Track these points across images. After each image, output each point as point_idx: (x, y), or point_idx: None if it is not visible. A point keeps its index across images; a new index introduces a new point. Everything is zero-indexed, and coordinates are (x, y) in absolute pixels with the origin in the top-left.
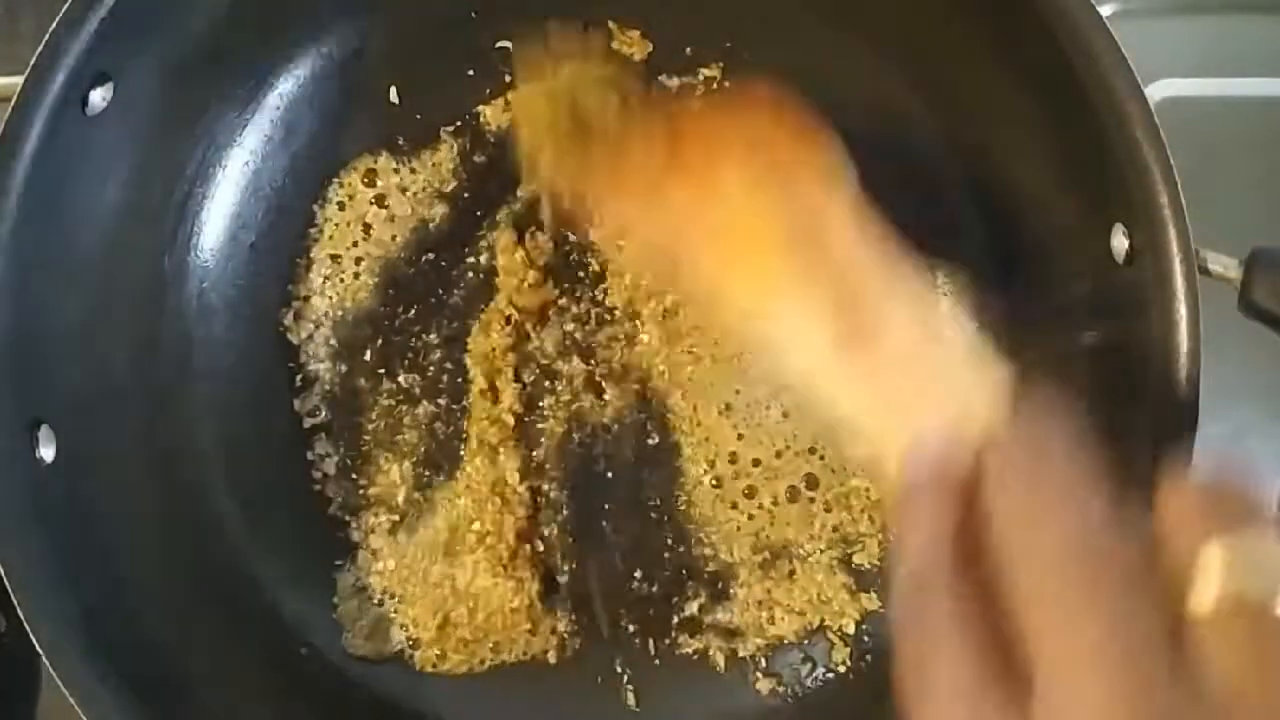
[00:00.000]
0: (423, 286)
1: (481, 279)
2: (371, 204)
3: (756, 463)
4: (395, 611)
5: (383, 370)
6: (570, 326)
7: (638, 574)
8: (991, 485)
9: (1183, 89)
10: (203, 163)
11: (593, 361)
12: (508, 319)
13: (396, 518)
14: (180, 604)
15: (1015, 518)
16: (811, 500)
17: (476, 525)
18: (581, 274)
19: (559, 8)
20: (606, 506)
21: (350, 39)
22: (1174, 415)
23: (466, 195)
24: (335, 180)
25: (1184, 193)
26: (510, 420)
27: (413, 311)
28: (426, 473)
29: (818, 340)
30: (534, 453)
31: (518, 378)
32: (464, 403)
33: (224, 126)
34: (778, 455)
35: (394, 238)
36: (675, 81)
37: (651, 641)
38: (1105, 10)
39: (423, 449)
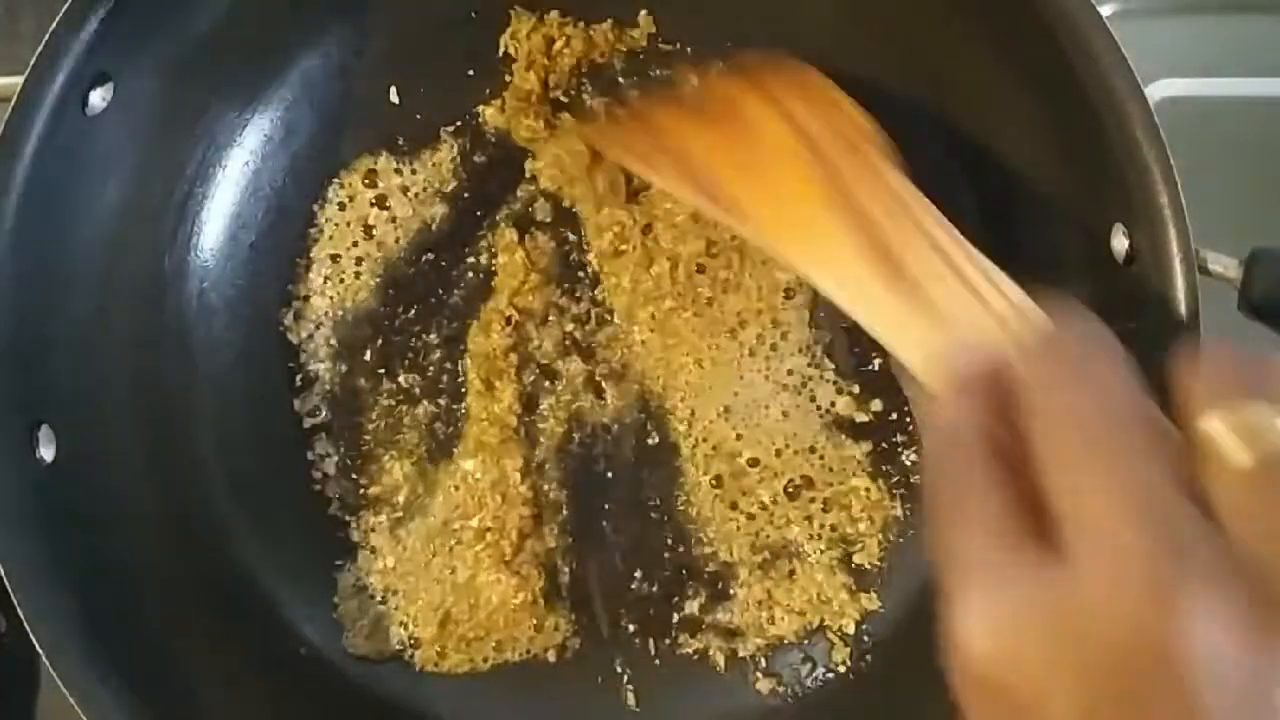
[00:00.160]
0: (423, 286)
1: (481, 279)
2: (371, 204)
3: (755, 463)
4: (396, 608)
5: (383, 370)
6: (570, 326)
7: (638, 574)
8: (1027, 357)
9: (1183, 89)
10: (203, 163)
11: (593, 361)
12: (508, 319)
13: (397, 517)
14: (180, 604)
15: (1048, 381)
16: (811, 500)
17: (476, 521)
18: (581, 274)
19: (559, 7)
20: (606, 506)
21: (350, 39)
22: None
23: (466, 195)
24: (335, 180)
25: (1184, 193)
26: (510, 420)
27: (413, 311)
28: (426, 472)
29: (856, 261)
30: (534, 453)
31: (518, 378)
32: (464, 403)
33: (224, 126)
34: (777, 455)
35: (394, 238)
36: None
37: (651, 641)
38: (1105, 10)
39: (423, 449)
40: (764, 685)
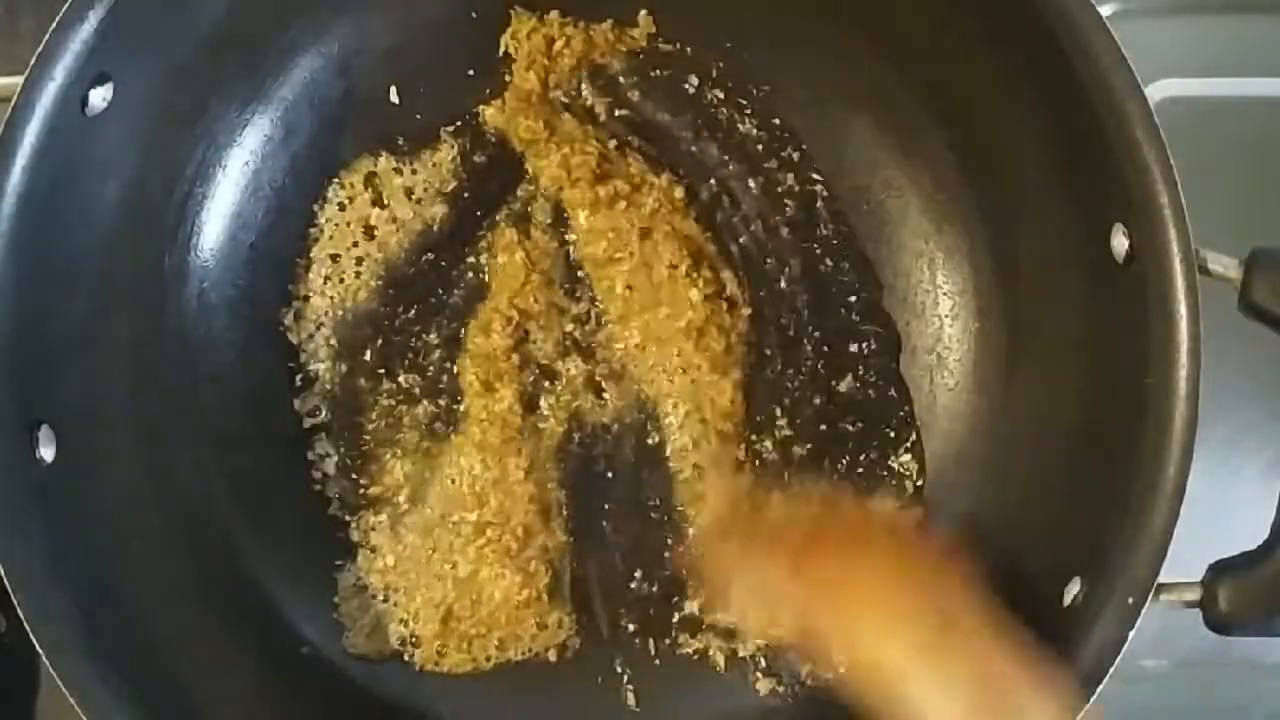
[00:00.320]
0: (423, 286)
1: (481, 279)
2: (371, 204)
3: None
4: (396, 605)
5: (383, 370)
6: (570, 326)
7: (638, 574)
8: None
9: (1183, 89)
10: (203, 163)
11: (592, 361)
12: (508, 319)
13: (397, 515)
14: (180, 604)
15: None
16: None
17: (475, 515)
18: (581, 274)
19: (559, 7)
20: (606, 506)
21: (350, 39)
22: (1174, 415)
23: (466, 195)
24: (335, 180)
25: (1184, 193)
26: (511, 420)
27: (413, 311)
28: (426, 472)
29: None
30: (535, 452)
31: (518, 378)
32: (464, 403)
33: (224, 126)
34: None
35: (394, 238)
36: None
37: (651, 641)
38: (1105, 10)
39: (423, 449)
40: (764, 685)
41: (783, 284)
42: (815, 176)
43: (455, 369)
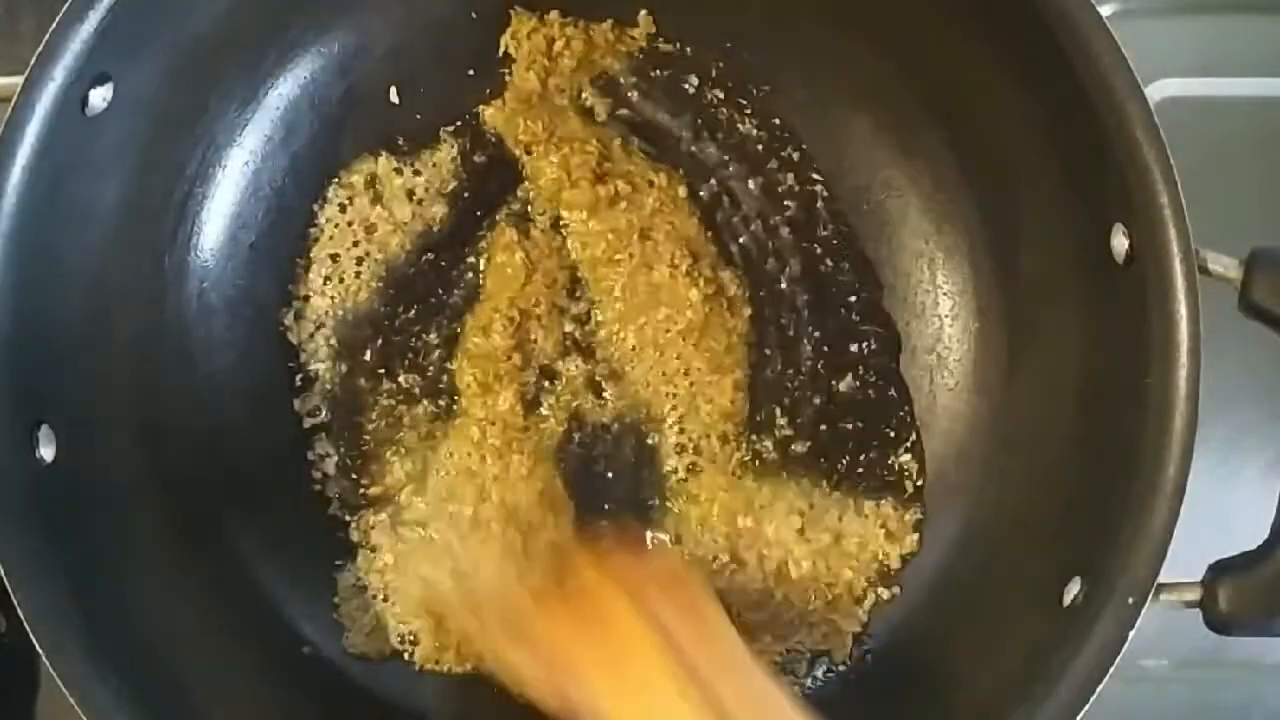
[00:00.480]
0: (423, 286)
1: (481, 279)
2: (371, 204)
3: None
4: (396, 603)
5: (383, 370)
6: (570, 326)
7: None
8: None
9: (1183, 89)
10: (203, 163)
11: (592, 361)
12: (508, 319)
13: (397, 515)
14: (180, 604)
15: None
16: None
17: (471, 512)
18: (581, 274)
19: (559, 7)
20: (606, 506)
21: (350, 39)
22: (1174, 415)
23: (466, 195)
24: (335, 180)
25: (1184, 193)
26: (512, 420)
27: (413, 311)
28: (426, 471)
29: None
30: (534, 452)
31: (518, 378)
32: (463, 403)
33: (224, 126)
34: None
35: (394, 238)
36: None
37: None
38: (1105, 10)
39: (423, 449)
40: None
41: (783, 284)
42: (815, 176)
43: (455, 369)
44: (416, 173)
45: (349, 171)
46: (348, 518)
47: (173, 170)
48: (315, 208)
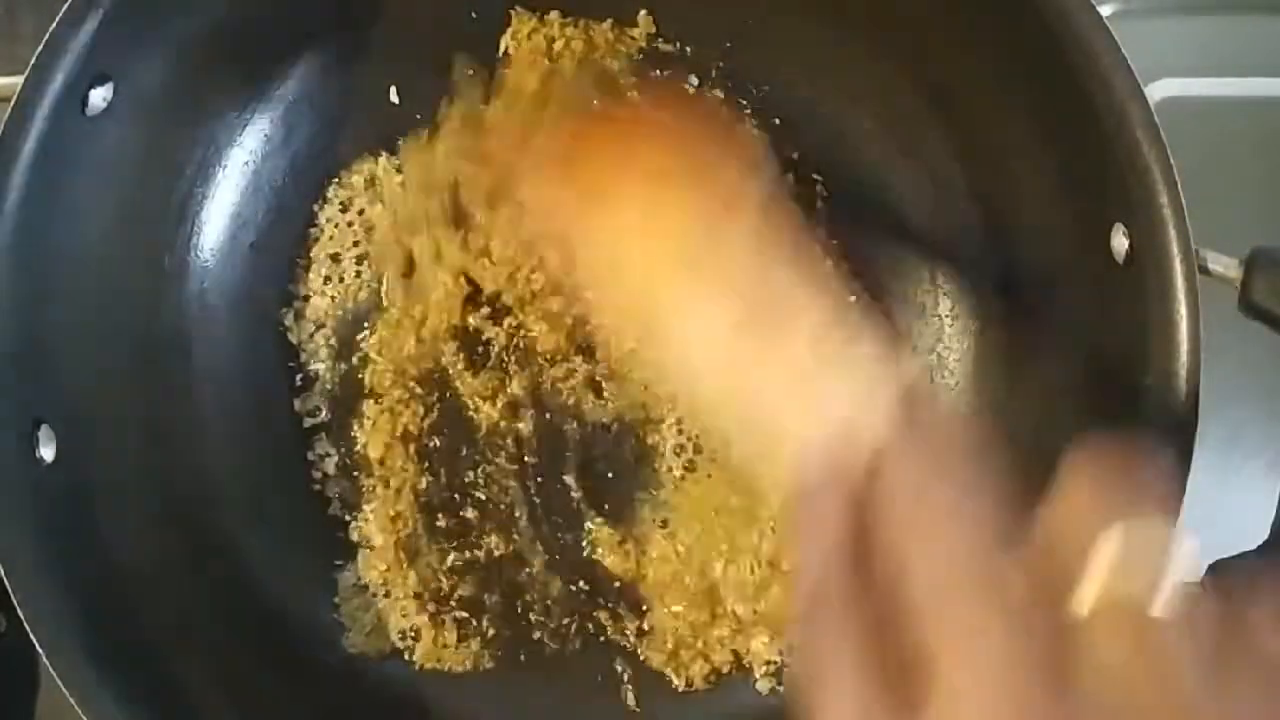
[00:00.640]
0: None
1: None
2: (371, 204)
3: None
4: (397, 600)
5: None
6: (571, 326)
7: None
8: (883, 494)
9: (1183, 89)
10: (203, 163)
11: (592, 361)
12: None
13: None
14: (180, 604)
15: (905, 527)
16: None
17: (472, 514)
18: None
19: (559, 7)
20: (606, 506)
21: (350, 39)
22: (1174, 415)
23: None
24: (335, 180)
25: (1184, 193)
26: (511, 418)
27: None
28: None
29: (715, 334)
30: (535, 451)
31: (518, 376)
32: (463, 400)
33: (224, 126)
34: None
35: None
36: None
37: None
38: (1105, 10)
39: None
40: (764, 685)
41: None
42: (815, 176)
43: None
44: None
45: (349, 171)
46: (348, 518)
47: (173, 170)
48: (315, 208)
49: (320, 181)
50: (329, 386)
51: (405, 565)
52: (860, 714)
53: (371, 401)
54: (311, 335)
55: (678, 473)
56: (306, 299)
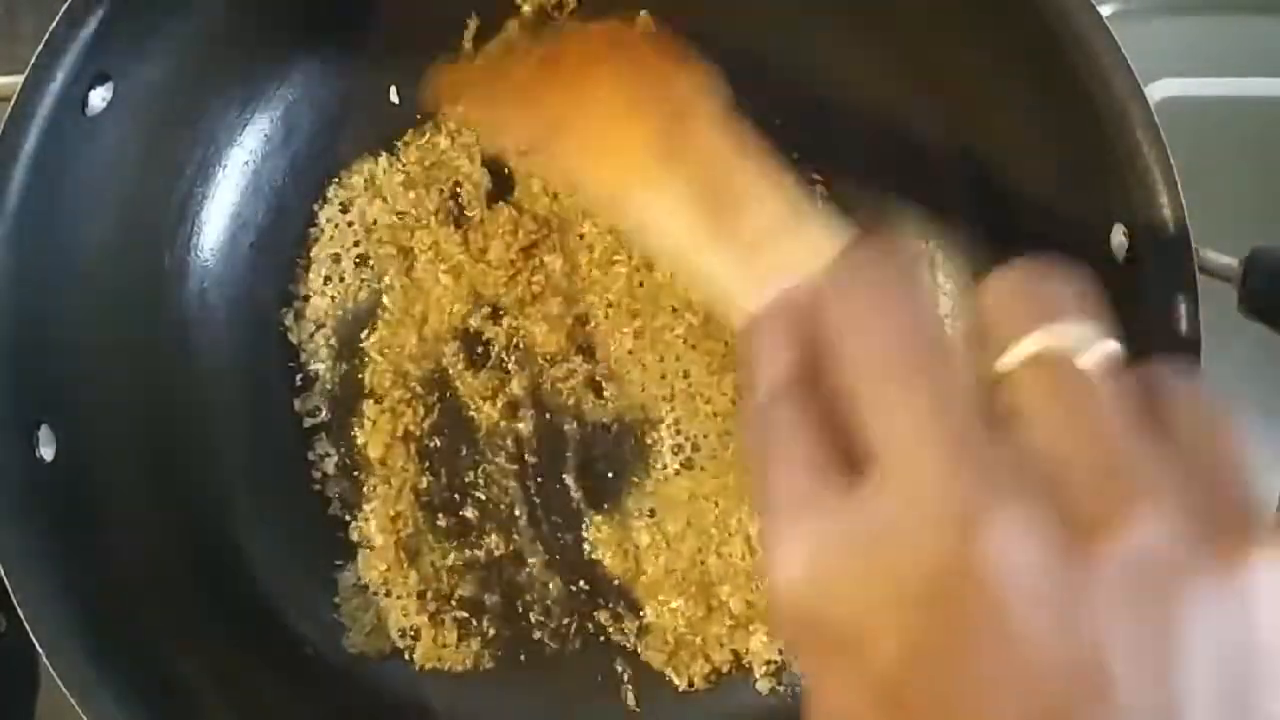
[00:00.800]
0: None
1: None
2: (371, 204)
3: None
4: (398, 598)
5: None
6: (570, 325)
7: None
8: (827, 289)
9: (1183, 89)
10: (203, 163)
11: (593, 361)
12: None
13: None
14: (180, 604)
15: (842, 326)
16: None
17: (473, 514)
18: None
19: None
20: (606, 506)
21: (350, 39)
22: None
23: None
24: (335, 180)
25: (1184, 193)
26: (511, 418)
27: None
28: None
29: (685, 220)
30: (535, 450)
31: (518, 375)
32: (463, 399)
33: (224, 126)
34: None
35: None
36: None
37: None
38: (1105, 10)
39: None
40: (764, 685)
41: None
42: (815, 176)
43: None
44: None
45: (349, 171)
46: (348, 518)
47: (173, 170)
48: (315, 208)
49: (320, 181)
50: (329, 386)
51: (405, 565)
52: (797, 488)
53: (371, 401)
54: (311, 335)
55: (674, 468)
56: (306, 299)
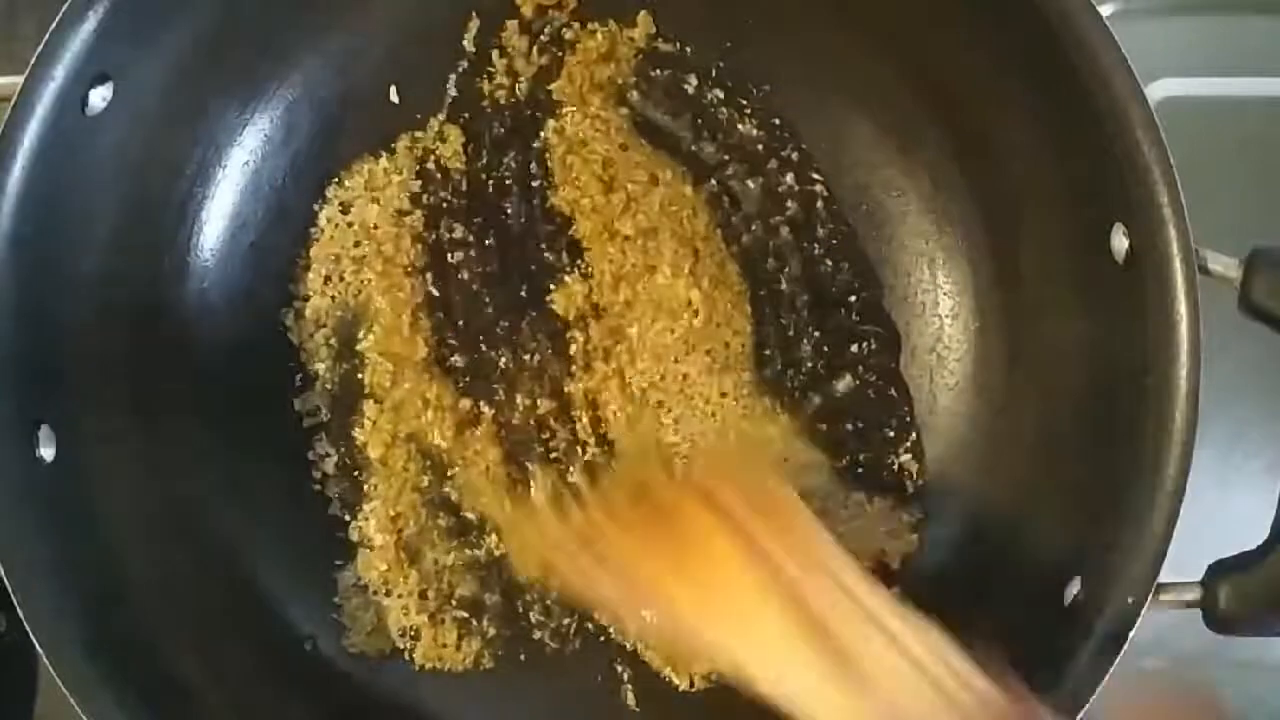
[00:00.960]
0: None
1: None
2: (371, 204)
3: None
4: (399, 596)
5: None
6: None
7: None
8: None
9: (1183, 89)
10: (203, 163)
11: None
12: None
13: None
14: (180, 604)
15: None
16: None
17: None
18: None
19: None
20: None
21: (350, 39)
22: (1174, 415)
23: None
24: (335, 180)
25: (1184, 193)
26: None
27: None
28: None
29: (806, 680)
30: (536, 451)
31: (517, 374)
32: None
33: (224, 126)
34: None
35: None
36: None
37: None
38: (1105, 10)
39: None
40: None
41: (783, 284)
42: (815, 176)
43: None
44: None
45: (349, 172)
46: (348, 518)
47: (173, 170)
48: (315, 207)
49: (320, 181)
50: (329, 386)
51: (405, 565)
52: None
53: (371, 401)
54: (311, 335)
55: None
56: (306, 299)
